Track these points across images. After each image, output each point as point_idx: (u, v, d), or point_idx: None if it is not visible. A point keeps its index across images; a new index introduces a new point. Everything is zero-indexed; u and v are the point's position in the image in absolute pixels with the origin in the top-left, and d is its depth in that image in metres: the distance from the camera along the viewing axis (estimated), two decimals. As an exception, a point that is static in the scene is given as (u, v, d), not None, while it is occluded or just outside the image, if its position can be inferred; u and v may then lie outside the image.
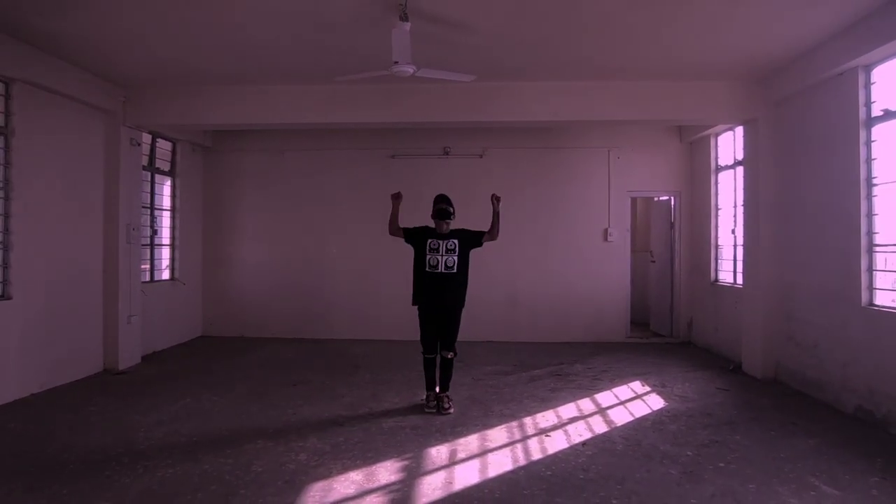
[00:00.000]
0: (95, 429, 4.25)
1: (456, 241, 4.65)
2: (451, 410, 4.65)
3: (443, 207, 4.62)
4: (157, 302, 7.14)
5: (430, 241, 4.60)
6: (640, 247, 9.43)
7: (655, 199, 8.99)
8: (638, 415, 4.65)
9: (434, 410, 4.63)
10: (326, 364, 6.51)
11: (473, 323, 7.89)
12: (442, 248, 4.59)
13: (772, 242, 5.77)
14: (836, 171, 4.83)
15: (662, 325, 8.32)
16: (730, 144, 7.06)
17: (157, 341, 7.16)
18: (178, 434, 4.12)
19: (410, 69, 4.05)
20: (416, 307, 4.74)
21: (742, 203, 6.26)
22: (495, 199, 4.80)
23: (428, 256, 4.60)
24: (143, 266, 6.92)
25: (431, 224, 4.75)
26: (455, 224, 4.78)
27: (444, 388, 4.78)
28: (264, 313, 8.23)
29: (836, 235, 4.80)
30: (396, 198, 4.75)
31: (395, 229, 4.72)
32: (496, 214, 4.77)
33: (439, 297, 4.61)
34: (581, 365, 6.48)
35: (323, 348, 7.46)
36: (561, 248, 8.03)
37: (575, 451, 3.84)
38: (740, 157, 6.68)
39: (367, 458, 3.70)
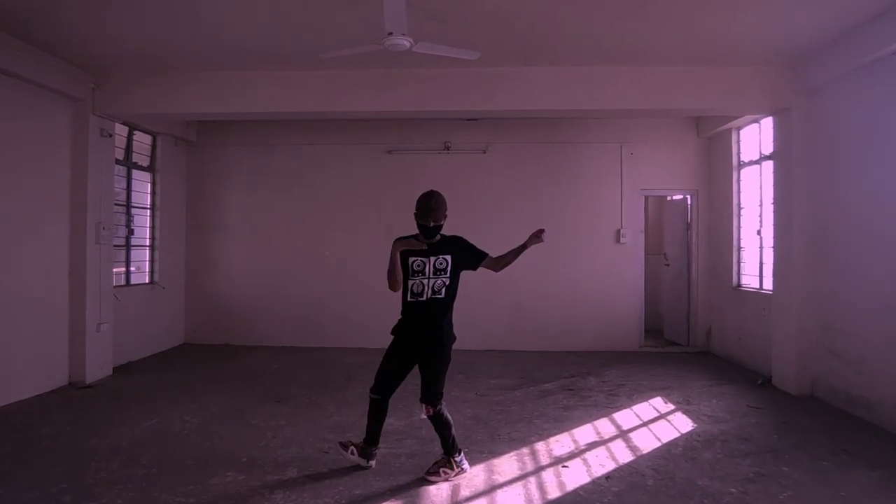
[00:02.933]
0: (43, 456, 3.68)
1: (448, 259, 3.33)
2: (436, 480, 3.31)
3: (425, 226, 3.27)
4: (134, 308, 6.58)
5: (413, 260, 3.32)
6: (653, 249, 8.87)
7: (668, 198, 8.46)
8: (665, 439, 4.08)
9: (366, 465, 3.47)
10: (316, 376, 5.95)
11: (475, 331, 7.36)
12: (429, 269, 3.32)
13: (807, 245, 5.21)
14: (889, 165, 4.27)
15: (678, 333, 7.76)
16: (754, 138, 6.52)
17: (133, 351, 6.59)
18: (136, 463, 3.56)
19: (406, 42, 3.52)
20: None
21: (772, 201, 5.70)
22: (536, 236, 3.34)
23: (411, 282, 3.33)
24: (117, 269, 6.37)
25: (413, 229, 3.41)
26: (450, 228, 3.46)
27: (445, 450, 3.41)
28: (251, 320, 7.67)
29: (891, 239, 4.23)
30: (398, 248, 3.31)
31: (395, 283, 3.34)
32: (522, 250, 3.41)
33: (420, 327, 3.36)
34: (594, 378, 5.92)
35: (313, 358, 6.90)
36: (570, 250, 7.47)
37: (598, 486, 3.28)
38: (767, 151, 6.14)
39: (355, 496, 3.13)
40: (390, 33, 3.42)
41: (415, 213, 3.32)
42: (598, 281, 7.44)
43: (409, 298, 3.36)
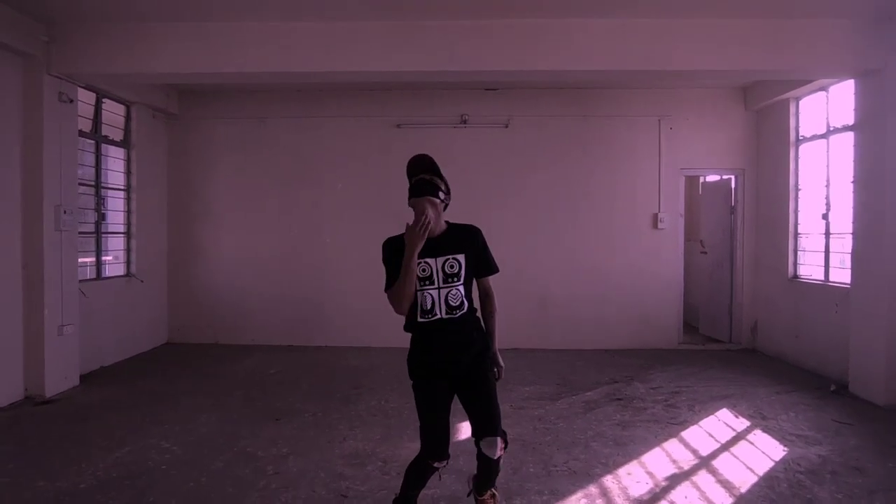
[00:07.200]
0: (-25, 507, 2.85)
1: (461, 260, 2.40)
2: None
3: (423, 179, 2.37)
4: (107, 305, 5.69)
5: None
6: (687, 236, 8.10)
7: (702, 179, 7.70)
8: (759, 469, 3.32)
9: None
10: (319, 383, 5.12)
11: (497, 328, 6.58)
12: (436, 273, 2.39)
13: (899, 230, 4.45)
14: None
15: (717, 329, 7.02)
16: (817, 109, 5.72)
17: (106, 354, 5.71)
18: (96, 518, 2.73)
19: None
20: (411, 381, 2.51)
21: (852, 180, 4.91)
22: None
23: (416, 294, 2.41)
24: (84, 260, 5.46)
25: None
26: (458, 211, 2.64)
27: (487, 486, 2.56)
28: (244, 316, 6.79)
29: None
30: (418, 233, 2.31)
31: (404, 299, 2.40)
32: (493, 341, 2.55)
33: (444, 353, 2.42)
34: (641, 383, 5.15)
35: (315, 359, 6.06)
36: (602, 236, 6.67)
37: (707, 548, 2.51)
38: (835, 123, 5.36)
39: (390, 570, 2.33)
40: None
41: (410, 174, 2.42)
42: (634, 271, 6.65)
43: (419, 318, 2.41)
